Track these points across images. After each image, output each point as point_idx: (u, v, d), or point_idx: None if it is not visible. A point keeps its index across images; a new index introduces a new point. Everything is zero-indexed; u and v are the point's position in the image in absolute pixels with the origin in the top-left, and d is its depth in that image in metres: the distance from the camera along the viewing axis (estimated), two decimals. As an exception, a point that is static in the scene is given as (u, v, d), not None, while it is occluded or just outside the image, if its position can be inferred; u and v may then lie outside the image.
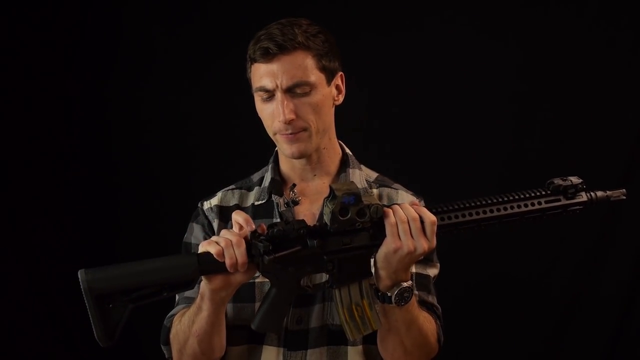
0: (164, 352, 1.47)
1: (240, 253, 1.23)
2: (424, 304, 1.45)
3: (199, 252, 1.27)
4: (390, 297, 1.29)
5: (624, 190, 1.41)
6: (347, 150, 1.56)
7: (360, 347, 1.44)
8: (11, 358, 2.58)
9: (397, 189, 1.54)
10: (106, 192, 2.76)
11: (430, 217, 1.27)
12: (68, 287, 2.59)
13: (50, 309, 2.65)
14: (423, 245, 1.26)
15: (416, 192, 1.56)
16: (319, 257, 1.28)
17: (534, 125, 2.62)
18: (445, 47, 2.63)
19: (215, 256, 1.23)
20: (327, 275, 1.32)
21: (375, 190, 1.53)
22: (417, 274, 1.47)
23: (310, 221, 1.45)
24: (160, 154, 2.74)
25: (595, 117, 2.57)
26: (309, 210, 1.48)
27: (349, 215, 1.25)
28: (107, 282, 1.21)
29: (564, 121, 2.60)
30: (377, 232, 1.28)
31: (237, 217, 1.28)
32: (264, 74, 1.40)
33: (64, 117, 2.70)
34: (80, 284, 1.20)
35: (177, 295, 1.48)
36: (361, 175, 1.53)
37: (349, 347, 1.44)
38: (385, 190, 1.53)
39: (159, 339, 1.46)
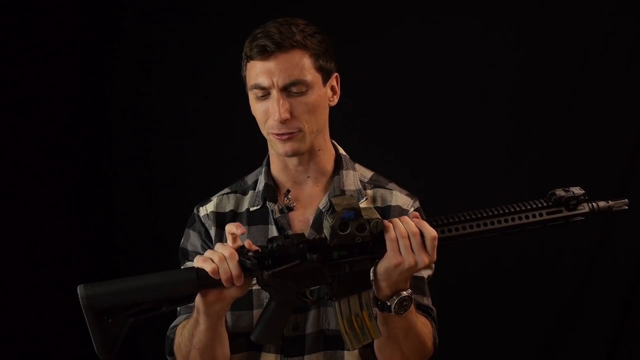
0: None
1: (234, 266, 1.24)
2: (419, 307, 1.45)
3: (194, 267, 1.26)
4: (390, 306, 1.29)
5: (627, 200, 1.41)
6: (341, 151, 1.56)
7: (356, 351, 1.44)
8: (10, 357, 2.59)
9: (391, 190, 1.53)
10: (104, 190, 2.76)
11: (431, 232, 1.26)
12: (67, 287, 2.61)
13: (48, 308, 2.65)
14: (424, 259, 1.26)
15: (413, 191, 1.55)
16: (319, 270, 1.28)
17: (533, 124, 2.60)
18: (444, 47, 2.61)
19: (210, 274, 1.23)
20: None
21: (369, 191, 1.52)
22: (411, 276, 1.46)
23: (304, 227, 1.47)
24: (158, 154, 2.73)
25: (595, 118, 2.56)
26: (303, 216, 1.48)
27: (349, 230, 1.25)
28: (107, 298, 1.21)
29: (564, 120, 2.58)
30: (377, 245, 1.27)
31: (230, 227, 1.28)
32: (260, 72, 1.39)
33: (61, 117, 2.68)
34: (80, 300, 1.19)
35: None
36: (355, 176, 1.52)
37: (345, 351, 1.45)
38: (380, 191, 1.53)
39: (160, 348, 1.47)
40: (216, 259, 1.24)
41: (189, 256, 1.51)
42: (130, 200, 2.73)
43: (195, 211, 1.54)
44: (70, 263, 2.67)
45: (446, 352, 1.61)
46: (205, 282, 1.24)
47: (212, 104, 2.65)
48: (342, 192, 1.48)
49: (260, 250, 1.27)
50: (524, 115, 2.60)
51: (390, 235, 1.25)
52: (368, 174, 1.56)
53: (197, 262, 1.26)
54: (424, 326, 1.41)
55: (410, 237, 1.25)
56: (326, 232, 1.26)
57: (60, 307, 2.59)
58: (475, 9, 2.59)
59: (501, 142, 2.62)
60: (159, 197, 2.71)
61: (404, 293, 1.29)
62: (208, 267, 1.23)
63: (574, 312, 2.62)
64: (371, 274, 1.31)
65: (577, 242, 2.57)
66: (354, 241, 1.25)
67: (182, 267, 1.51)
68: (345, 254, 1.27)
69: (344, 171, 1.51)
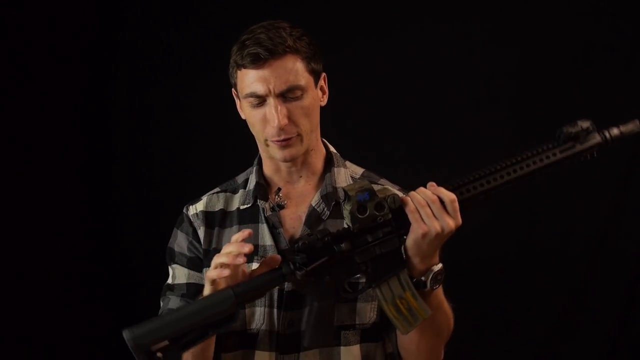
0: None
1: (237, 247, 1.26)
2: None
3: (210, 267, 1.28)
4: (425, 282, 1.30)
5: (637, 121, 1.37)
6: (332, 149, 1.56)
7: (353, 347, 1.43)
8: (10, 357, 2.59)
9: (383, 185, 1.52)
10: (105, 191, 2.78)
11: (448, 195, 1.26)
12: (67, 286, 2.63)
13: (48, 308, 2.64)
14: (449, 223, 1.25)
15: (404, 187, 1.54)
16: (351, 259, 1.28)
17: (532, 126, 2.56)
18: (443, 45, 2.61)
19: (233, 261, 1.25)
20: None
21: None
22: None
23: (297, 224, 1.46)
24: (159, 155, 2.75)
25: (595, 118, 2.53)
26: (294, 213, 1.48)
27: (368, 212, 1.25)
28: (152, 336, 1.22)
29: (563, 121, 2.56)
30: (400, 221, 1.27)
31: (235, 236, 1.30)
32: (254, 80, 1.38)
33: (63, 117, 2.71)
34: (127, 343, 1.21)
35: (161, 303, 1.49)
36: (346, 173, 1.53)
37: (341, 347, 1.43)
38: None
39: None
40: (223, 255, 1.27)
41: (175, 257, 1.51)
42: (131, 200, 2.75)
43: (184, 210, 1.54)
44: (71, 263, 2.68)
45: (445, 348, 1.60)
46: (243, 298, 1.25)
47: (213, 105, 2.65)
48: (334, 189, 1.48)
49: (286, 253, 1.29)
50: (523, 115, 2.59)
51: (410, 207, 1.26)
52: (359, 170, 1.56)
53: (213, 270, 1.27)
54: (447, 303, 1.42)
55: (430, 204, 1.26)
56: (347, 220, 1.27)
57: (61, 307, 2.60)
58: (475, 8, 2.59)
59: (500, 142, 2.60)
60: (161, 198, 2.71)
61: (436, 267, 1.30)
62: (227, 260, 1.25)
63: (574, 311, 2.60)
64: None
65: (576, 241, 2.56)
66: (376, 221, 1.25)
67: (168, 268, 1.52)
68: (372, 237, 1.27)
69: (335, 168, 1.51)
